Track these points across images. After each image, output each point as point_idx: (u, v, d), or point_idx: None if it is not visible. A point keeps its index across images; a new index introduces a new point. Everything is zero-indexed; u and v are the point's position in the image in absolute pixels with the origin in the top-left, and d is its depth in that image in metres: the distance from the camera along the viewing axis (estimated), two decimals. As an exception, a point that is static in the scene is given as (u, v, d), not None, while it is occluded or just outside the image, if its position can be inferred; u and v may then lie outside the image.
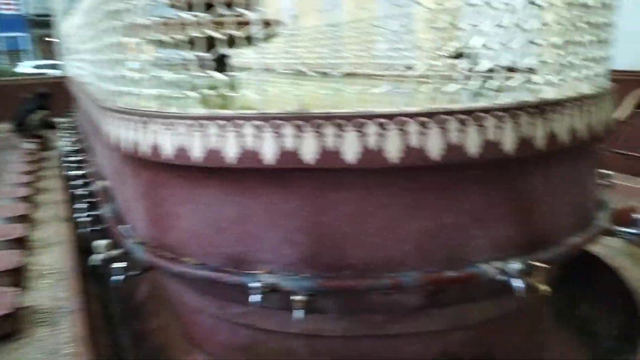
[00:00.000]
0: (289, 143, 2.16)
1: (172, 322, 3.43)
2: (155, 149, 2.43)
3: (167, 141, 2.37)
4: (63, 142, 7.93)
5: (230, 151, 2.23)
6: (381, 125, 2.13)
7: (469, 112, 2.20)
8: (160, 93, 2.49)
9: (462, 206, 2.35)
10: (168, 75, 2.41)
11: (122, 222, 3.20)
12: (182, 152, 2.33)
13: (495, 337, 2.89)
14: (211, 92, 2.29)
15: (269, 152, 2.18)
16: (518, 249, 2.44)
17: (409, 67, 3.90)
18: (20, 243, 4.47)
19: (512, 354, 2.99)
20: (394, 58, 4.62)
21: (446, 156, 2.17)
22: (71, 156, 6.43)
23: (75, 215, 4.43)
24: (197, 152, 2.29)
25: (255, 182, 2.33)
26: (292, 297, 2.29)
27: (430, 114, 2.16)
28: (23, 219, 5.09)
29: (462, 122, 2.18)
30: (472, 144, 2.22)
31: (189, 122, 2.30)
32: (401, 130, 2.14)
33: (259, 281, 2.31)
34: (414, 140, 2.16)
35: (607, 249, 3.86)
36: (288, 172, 2.24)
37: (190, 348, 3.12)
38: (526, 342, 3.09)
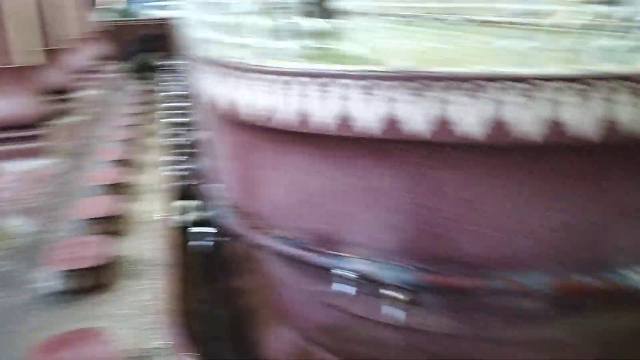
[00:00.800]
0: (399, 109, 1.78)
1: (262, 286, 3.27)
2: (247, 107, 2.16)
3: (258, 99, 2.08)
4: (168, 85, 8.02)
5: (328, 115, 1.90)
6: (516, 90, 1.68)
7: (633, 79, 1.68)
8: (254, 43, 2.18)
9: (610, 197, 1.87)
10: (265, 22, 2.09)
11: (215, 179, 3.03)
12: (274, 112, 2.03)
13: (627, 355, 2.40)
14: (310, 43, 1.94)
15: (373, 118, 1.82)
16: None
17: (545, 14, 3.29)
18: (119, 188, 4.51)
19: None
20: (525, 2, 3.91)
21: (601, 134, 1.68)
22: (175, 101, 6.44)
23: (172, 166, 4.37)
24: (289, 114, 1.98)
25: (351, 152, 1.99)
26: (386, 292, 1.97)
27: (580, 79, 1.68)
28: (123, 163, 5.16)
29: (631, 91, 1.66)
30: (635, 119, 1.71)
31: (283, 77, 1.98)
32: (541, 97, 1.67)
33: (348, 268, 2.01)
34: (559, 112, 1.69)
35: None
36: (393, 143, 1.87)
37: (277, 317, 2.95)
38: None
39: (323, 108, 1.90)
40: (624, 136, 1.69)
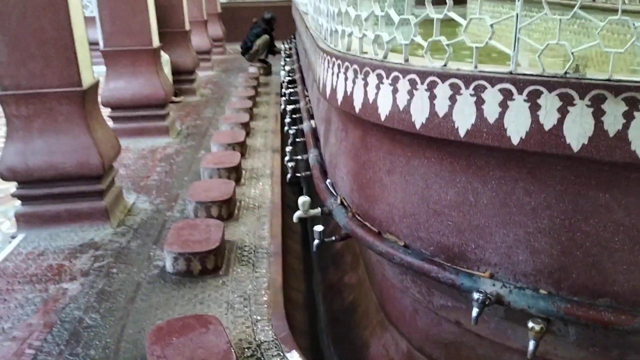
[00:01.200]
0: (549, 119, 1.56)
1: (368, 285, 3.18)
2: (369, 106, 2.03)
3: (384, 99, 1.94)
4: (282, 69, 8.08)
5: (461, 121, 1.72)
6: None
7: None
8: (381, 36, 2.03)
9: None
10: (395, 14, 1.93)
11: (325, 173, 2.95)
12: (400, 115, 1.88)
13: None
14: (443, 39, 1.76)
15: (516, 128, 1.61)
16: None
17: None
18: (233, 172, 4.62)
19: None
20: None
21: None
22: (287, 87, 6.44)
23: (284, 153, 4.37)
24: (419, 118, 1.82)
25: (489, 162, 1.79)
26: (516, 317, 1.77)
27: None
28: (238, 146, 5.28)
29: None
30: None
31: (413, 77, 1.82)
32: None
33: (475, 287, 1.83)
34: None
35: None
36: (540, 156, 1.65)
37: (384, 321, 2.83)
38: None
39: (454, 112, 1.72)
40: None
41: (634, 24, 1.56)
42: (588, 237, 1.67)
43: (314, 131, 3.69)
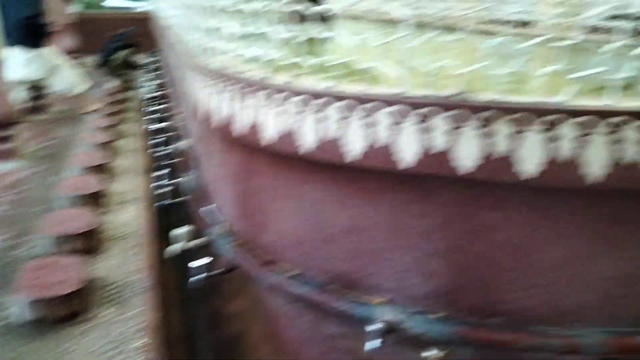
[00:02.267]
0: (439, 141, 1.54)
1: (254, 313, 2.99)
2: (255, 129, 1.88)
3: (271, 121, 1.81)
4: (146, 84, 7.61)
5: (354, 144, 1.65)
6: (583, 125, 1.46)
7: None
8: (262, 55, 1.91)
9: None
10: (280, 31, 1.82)
11: (205, 198, 2.73)
12: (289, 138, 1.76)
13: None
14: (334, 59, 1.68)
15: (408, 150, 1.58)
16: None
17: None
18: (95, 199, 4.17)
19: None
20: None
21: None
22: (153, 104, 6.04)
23: (153, 177, 4.04)
24: (309, 141, 1.72)
25: (380, 186, 1.74)
26: (415, 343, 1.73)
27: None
28: (99, 169, 4.80)
29: None
30: None
31: (301, 98, 1.72)
32: (613, 134, 1.46)
33: (372, 316, 1.77)
34: (623, 150, 1.48)
35: None
36: (432, 178, 1.63)
37: (276, 354, 2.68)
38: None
39: (346, 135, 1.65)
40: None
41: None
42: (480, 258, 1.68)
43: (188, 153, 3.44)
